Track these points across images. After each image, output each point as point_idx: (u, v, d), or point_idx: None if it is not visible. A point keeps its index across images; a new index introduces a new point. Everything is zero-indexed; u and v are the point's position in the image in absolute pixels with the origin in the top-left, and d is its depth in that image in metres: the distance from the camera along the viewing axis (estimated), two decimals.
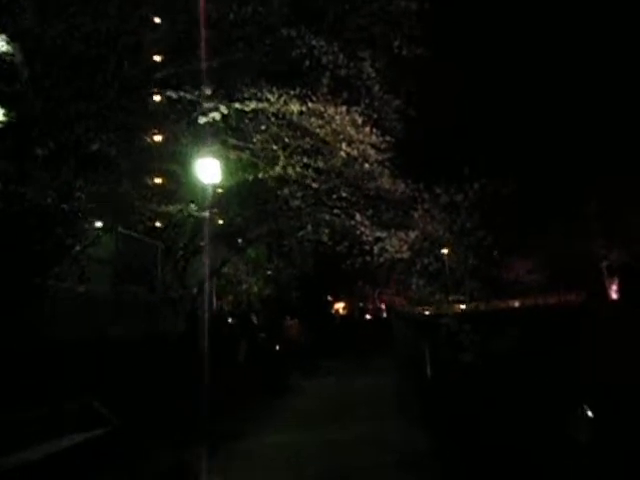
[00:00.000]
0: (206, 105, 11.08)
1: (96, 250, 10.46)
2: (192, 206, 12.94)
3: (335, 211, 12.15)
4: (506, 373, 10.30)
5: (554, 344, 14.90)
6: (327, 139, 11.48)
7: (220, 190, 13.92)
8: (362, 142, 11.48)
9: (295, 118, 11.36)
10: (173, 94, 10.90)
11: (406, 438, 7.79)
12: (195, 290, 11.56)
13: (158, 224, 13.15)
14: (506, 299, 42.28)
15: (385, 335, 23.45)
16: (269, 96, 10.90)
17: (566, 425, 7.67)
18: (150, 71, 11.57)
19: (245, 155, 12.19)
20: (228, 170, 12.64)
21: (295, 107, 11.15)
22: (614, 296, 47.13)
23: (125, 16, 10.34)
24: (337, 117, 11.39)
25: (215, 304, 11.27)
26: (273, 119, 11.63)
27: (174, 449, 7.59)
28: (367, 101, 12.50)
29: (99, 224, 11.18)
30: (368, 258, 12.56)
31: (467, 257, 12.30)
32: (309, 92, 11.39)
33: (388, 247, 11.82)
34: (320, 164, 10.84)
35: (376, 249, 12.09)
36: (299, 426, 9.20)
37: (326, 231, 15.21)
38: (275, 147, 11.03)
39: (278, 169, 10.88)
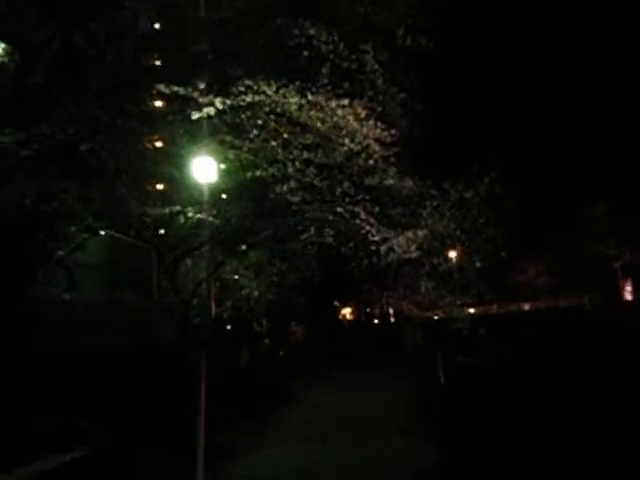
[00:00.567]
0: (200, 100, 10.48)
1: (85, 255, 9.86)
2: (189, 208, 12.38)
3: (339, 209, 11.49)
4: (524, 379, 9.56)
5: (571, 346, 14.17)
6: (328, 134, 10.85)
7: (223, 195, 13.36)
8: (366, 136, 10.83)
9: (294, 112, 10.74)
10: (165, 89, 10.29)
11: (418, 461, 7.10)
12: (193, 295, 10.92)
13: (153, 228, 12.52)
14: (517, 302, 41.45)
15: (393, 340, 22.76)
16: (266, 88, 10.27)
17: None
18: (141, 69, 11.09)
19: (243, 154, 11.59)
20: (226, 170, 12.09)
21: (294, 100, 10.53)
22: (629, 297, 46.16)
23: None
24: (339, 111, 10.76)
25: (214, 310, 10.63)
26: (272, 116, 11.05)
27: (165, 474, 6.94)
28: (370, 94, 11.86)
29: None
30: (375, 259, 11.89)
31: (479, 257, 11.61)
32: (308, 85, 10.79)
33: (395, 247, 11.15)
34: (321, 159, 10.17)
35: (383, 249, 11.43)
36: (303, 443, 8.53)
37: (330, 233, 14.58)
38: (274, 143, 10.39)
39: (277, 166, 10.22)
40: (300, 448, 8.31)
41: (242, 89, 10.47)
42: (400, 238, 11.29)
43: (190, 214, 12.37)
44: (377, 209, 11.41)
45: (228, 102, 10.38)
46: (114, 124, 11.77)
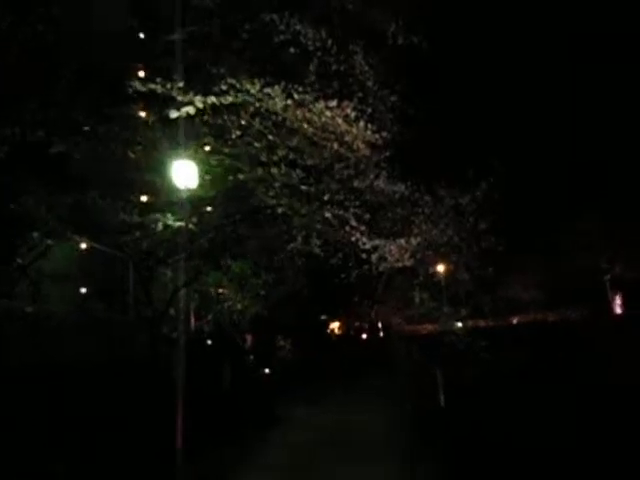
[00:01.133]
0: (179, 98, 9.80)
1: (53, 265, 9.05)
2: (169, 216, 11.67)
3: (327, 215, 10.82)
4: (530, 397, 8.82)
5: (568, 360, 13.53)
6: (315, 135, 10.22)
7: (206, 204, 12.63)
8: (355, 138, 10.22)
9: (280, 113, 10.10)
10: (141, 86, 9.61)
11: None
12: (167, 308, 10.10)
13: (131, 236, 11.75)
14: (504, 316, 40.85)
15: (383, 355, 22.01)
16: (249, 87, 9.63)
17: None
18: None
19: (225, 157, 10.92)
20: (208, 175, 11.41)
21: (279, 100, 9.89)
22: (618, 311, 45.83)
23: None
24: (327, 112, 10.14)
25: (193, 324, 9.85)
26: (256, 117, 10.42)
27: None
28: (360, 95, 11.29)
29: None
30: (365, 269, 11.22)
31: (476, 266, 10.98)
32: (295, 84, 10.17)
33: (387, 255, 10.49)
34: (308, 161, 9.52)
35: (374, 258, 10.76)
36: (289, 470, 7.72)
37: (317, 242, 13.90)
38: (257, 145, 9.73)
39: (261, 170, 9.55)
40: (288, 477, 7.52)
41: (224, 88, 9.87)
42: (392, 246, 10.64)
43: (170, 221, 11.68)
44: (367, 216, 10.75)
45: (209, 101, 9.74)
46: (93, 128, 11.14)
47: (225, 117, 10.38)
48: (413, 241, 10.62)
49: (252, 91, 9.70)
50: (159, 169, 11.49)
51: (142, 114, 11.58)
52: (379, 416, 9.67)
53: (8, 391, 6.77)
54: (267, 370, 15.13)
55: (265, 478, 7.42)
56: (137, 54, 10.29)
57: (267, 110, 10.11)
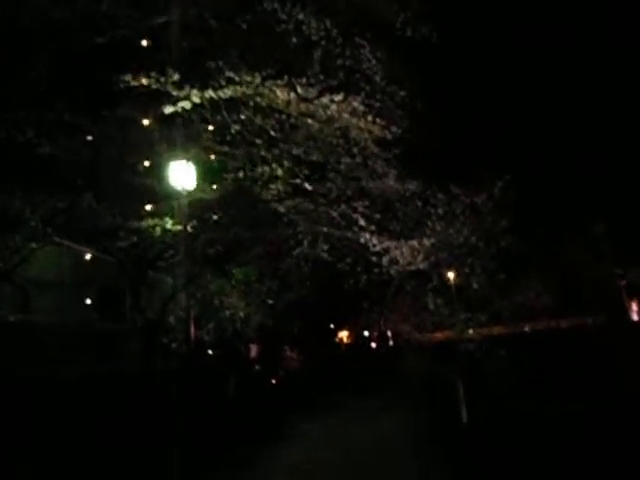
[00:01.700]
0: (175, 93, 9.21)
1: (42, 271, 8.42)
2: (167, 219, 11.07)
3: (334, 214, 10.16)
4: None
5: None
6: (320, 130, 9.59)
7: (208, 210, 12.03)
8: (363, 133, 9.58)
9: (282, 107, 9.49)
10: (133, 81, 9.02)
11: None
12: (162, 315, 9.45)
13: (129, 242, 11.15)
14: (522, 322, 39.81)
15: (394, 365, 21.21)
16: (249, 79, 9.02)
17: None
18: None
19: (224, 155, 10.31)
20: (207, 175, 10.82)
21: (281, 93, 9.27)
22: (635, 317, 44.62)
23: None
24: (333, 105, 9.50)
25: (193, 333, 9.20)
26: (257, 112, 9.81)
27: None
28: (367, 89, 10.64)
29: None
30: (375, 273, 10.52)
31: (492, 269, 10.27)
32: (298, 78, 9.55)
33: (399, 258, 9.80)
34: (313, 157, 8.88)
35: (385, 261, 10.07)
36: None
37: (325, 247, 13.22)
38: (259, 141, 9.10)
39: (263, 167, 8.93)
40: None
41: (222, 82, 9.28)
42: (404, 248, 9.95)
43: (168, 225, 11.08)
44: (377, 216, 10.06)
45: (207, 95, 9.15)
46: (85, 129, 10.62)
47: (224, 113, 9.81)
48: (426, 242, 9.93)
49: (253, 84, 9.13)
50: (156, 171, 10.93)
51: (138, 115, 11.05)
52: (393, 436, 8.90)
53: None
54: (274, 381, 14.43)
55: None
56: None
57: (269, 105, 9.53)
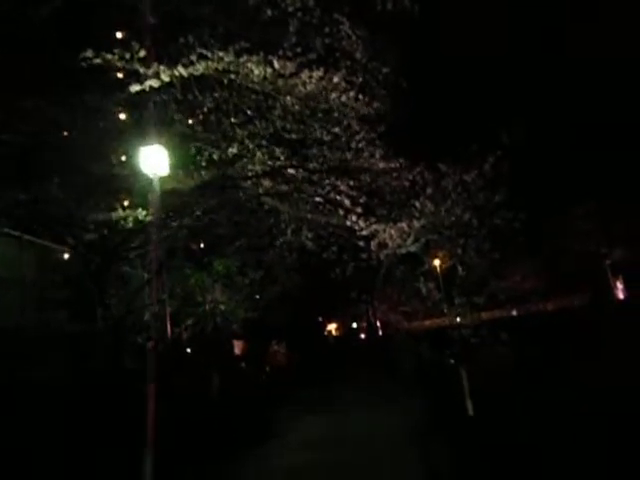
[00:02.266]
0: (142, 71, 8.52)
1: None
2: (140, 211, 10.40)
3: (317, 198, 9.56)
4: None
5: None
6: (299, 107, 8.96)
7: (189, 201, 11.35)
8: (344, 109, 8.98)
9: (258, 83, 8.84)
10: (96, 58, 8.31)
11: None
12: (128, 311, 8.75)
13: (98, 234, 10.44)
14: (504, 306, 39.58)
15: (385, 356, 20.73)
16: (221, 54, 8.37)
17: None
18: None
19: (200, 143, 9.63)
20: (183, 164, 10.16)
21: (257, 69, 8.63)
22: (620, 296, 44.83)
23: None
24: (312, 81, 8.89)
25: (169, 330, 8.57)
26: (233, 93, 9.17)
27: None
28: (348, 64, 10.03)
29: None
30: (362, 260, 9.97)
31: (486, 249, 9.76)
32: (274, 52, 8.91)
33: (388, 241, 9.24)
34: (292, 135, 8.26)
35: (373, 245, 9.51)
36: None
37: (309, 235, 12.63)
38: (233, 120, 8.46)
39: (238, 146, 8.29)
40: None
41: (193, 58, 8.62)
42: (392, 230, 9.38)
43: (141, 216, 10.41)
44: (363, 198, 9.48)
45: (176, 73, 8.48)
46: (55, 116, 9.89)
47: (196, 92, 9.15)
48: (416, 223, 9.39)
49: (226, 59, 8.48)
50: (128, 159, 10.24)
51: (106, 101, 10.34)
52: (390, 430, 8.34)
53: None
54: (260, 378, 13.84)
55: None
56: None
57: (243, 82, 8.89)
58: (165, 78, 8.46)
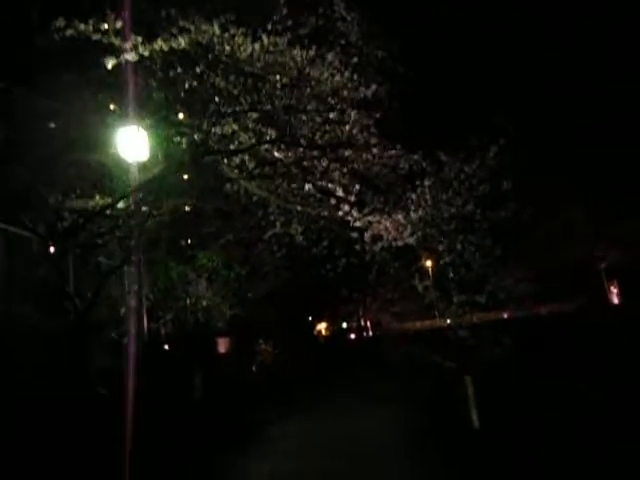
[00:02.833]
0: (118, 44, 7.84)
1: None
2: (119, 198, 9.74)
3: (308, 188, 8.92)
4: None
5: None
6: (290, 89, 8.31)
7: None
8: (338, 90, 8.35)
9: (245, 61, 8.19)
10: (66, 27, 7.63)
11: None
12: (93, 301, 8.02)
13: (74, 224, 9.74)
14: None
15: (377, 358, 20.13)
16: (204, 27, 7.72)
17: None
18: None
19: (182, 126, 8.95)
20: (162, 150, 9.49)
21: (243, 44, 7.98)
22: (615, 300, 44.43)
23: None
24: (304, 56, 8.24)
25: (146, 326, 7.90)
26: (218, 71, 8.50)
27: None
28: (343, 43, 9.41)
29: None
30: (357, 247, 9.33)
31: (487, 245, 9.11)
32: (262, 26, 8.27)
33: (382, 233, 8.62)
34: (281, 118, 7.62)
35: (366, 237, 8.87)
36: None
37: (299, 229, 11.97)
38: (217, 99, 7.80)
39: (221, 129, 7.63)
40: None
41: (175, 31, 7.96)
42: (388, 222, 8.75)
43: (120, 204, 9.74)
44: (357, 186, 8.84)
45: (156, 47, 7.82)
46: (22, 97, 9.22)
47: (178, 69, 8.48)
48: (413, 216, 8.76)
49: (209, 32, 7.82)
50: (104, 144, 9.56)
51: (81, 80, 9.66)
52: (383, 441, 7.67)
53: None
54: (245, 378, 13.18)
55: None
56: None
57: (229, 57, 8.24)
58: (144, 52, 7.82)
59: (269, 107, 7.80)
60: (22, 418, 6.27)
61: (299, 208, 10.97)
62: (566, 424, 5.99)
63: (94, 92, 9.60)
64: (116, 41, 7.71)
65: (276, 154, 8.81)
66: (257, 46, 8.13)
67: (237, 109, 7.72)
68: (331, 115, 9.15)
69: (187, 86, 7.97)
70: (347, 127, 9.21)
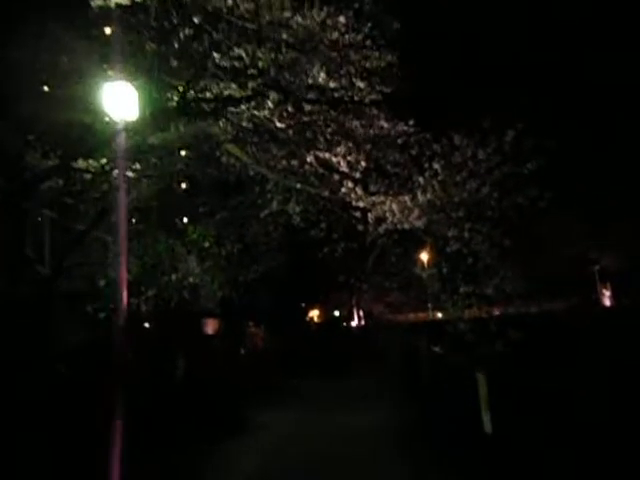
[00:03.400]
0: None
1: None
2: (104, 161, 8.88)
3: (309, 159, 8.06)
4: None
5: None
6: (297, 50, 7.41)
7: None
8: (347, 56, 7.47)
9: (247, 16, 7.28)
10: None
11: None
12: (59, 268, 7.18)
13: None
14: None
15: (370, 349, 19.39)
16: None
17: None
18: None
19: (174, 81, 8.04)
20: (153, 111, 8.60)
21: None
22: (607, 302, 43.95)
23: None
24: (313, 14, 7.35)
25: (124, 302, 7.03)
26: (220, 25, 7.58)
27: None
28: (356, 7, 8.47)
29: None
30: (359, 227, 8.50)
31: (498, 234, 8.31)
32: None
33: (387, 214, 7.78)
34: (283, 78, 6.74)
35: (370, 217, 8.03)
36: None
37: (297, 209, 11.12)
38: (216, 56, 6.89)
39: (217, 88, 6.75)
40: None
41: None
42: (393, 205, 7.89)
43: (103, 161, 8.86)
44: (362, 162, 7.97)
45: None
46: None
47: (174, 19, 7.57)
48: (421, 198, 7.92)
49: None
50: (90, 102, 8.64)
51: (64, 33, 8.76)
52: (379, 439, 6.90)
53: None
54: (233, 362, 12.39)
55: None
56: None
57: (230, 12, 7.34)
58: None
59: (271, 67, 6.89)
60: None
61: (298, 186, 10.13)
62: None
63: (82, 47, 8.71)
64: None
65: (277, 123, 7.92)
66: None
67: (237, 65, 6.81)
68: (337, 83, 8.32)
69: (182, 37, 7.05)
70: (355, 97, 8.37)
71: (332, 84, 8.07)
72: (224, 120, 7.71)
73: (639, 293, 37.84)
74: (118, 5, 6.91)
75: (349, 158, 7.98)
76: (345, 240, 10.61)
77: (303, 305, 39.03)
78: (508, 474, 4.99)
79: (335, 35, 7.49)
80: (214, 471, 6.48)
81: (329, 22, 7.76)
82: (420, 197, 7.94)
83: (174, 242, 10.40)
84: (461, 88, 12.02)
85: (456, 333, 9.93)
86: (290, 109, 7.47)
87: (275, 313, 25.72)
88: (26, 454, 4.88)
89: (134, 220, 10.01)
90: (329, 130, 7.81)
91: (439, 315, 22.51)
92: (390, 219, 7.93)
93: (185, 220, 12.82)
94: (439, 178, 8.04)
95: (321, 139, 8.03)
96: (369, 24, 8.76)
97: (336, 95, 7.66)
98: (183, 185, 17.02)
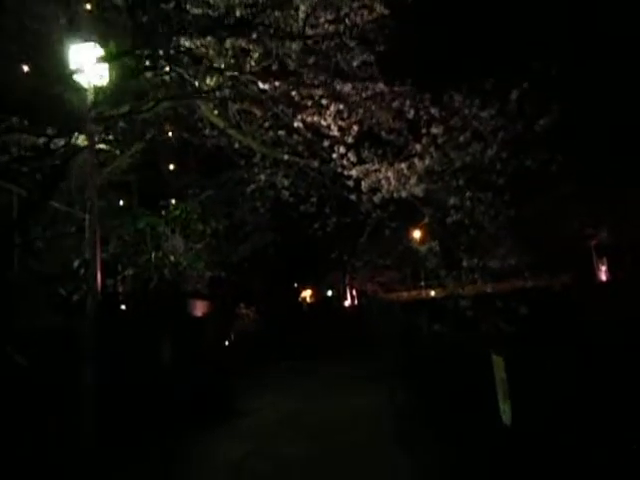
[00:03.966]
0: None
1: None
2: (77, 135, 8.25)
3: (297, 127, 7.45)
4: None
5: None
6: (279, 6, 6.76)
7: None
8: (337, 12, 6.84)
9: None
10: None
11: None
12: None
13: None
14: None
15: (364, 328, 18.94)
16: None
17: None
18: None
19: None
20: (126, 75, 7.94)
21: None
22: (603, 278, 43.73)
23: None
24: None
25: (100, 282, 6.49)
26: None
27: None
28: None
29: None
30: (352, 197, 7.92)
31: (503, 201, 7.73)
32: None
33: (383, 182, 7.21)
34: (266, 30, 6.11)
35: (364, 186, 7.46)
36: None
37: (285, 182, 10.51)
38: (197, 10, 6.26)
39: (192, 42, 6.12)
40: None
41: None
42: (389, 172, 7.31)
43: (79, 141, 8.24)
44: (355, 126, 7.36)
45: None
46: None
47: None
48: (418, 165, 7.35)
49: None
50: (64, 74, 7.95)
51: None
52: (376, 426, 6.44)
53: None
54: (222, 345, 11.91)
55: None
56: None
57: None
58: None
59: (251, 16, 6.23)
60: None
61: (286, 157, 9.51)
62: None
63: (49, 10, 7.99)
64: None
65: (261, 85, 7.27)
66: None
67: (211, 13, 6.15)
68: (325, 44, 7.67)
69: None
70: (345, 58, 7.73)
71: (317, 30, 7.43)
72: (202, 82, 7.07)
73: (633, 267, 37.77)
74: None
75: (340, 122, 7.38)
76: (337, 214, 10.02)
77: (295, 285, 38.56)
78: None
79: None
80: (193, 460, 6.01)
81: None
82: (418, 163, 7.37)
83: (155, 219, 9.80)
84: (461, 47, 11.29)
85: (457, 310, 9.44)
86: (274, 67, 6.85)
87: (267, 294, 25.26)
88: None
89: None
90: (318, 92, 7.19)
91: (432, 293, 22.10)
92: (385, 187, 7.37)
93: (173, 202, 12.23)
94: (438, 141, 7.46)
95: (309, 102, 7.41)
96: None
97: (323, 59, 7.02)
98: (171, 166, 16.41)
